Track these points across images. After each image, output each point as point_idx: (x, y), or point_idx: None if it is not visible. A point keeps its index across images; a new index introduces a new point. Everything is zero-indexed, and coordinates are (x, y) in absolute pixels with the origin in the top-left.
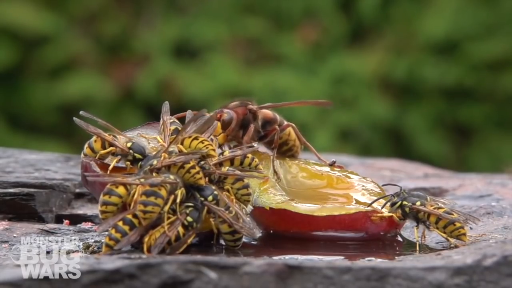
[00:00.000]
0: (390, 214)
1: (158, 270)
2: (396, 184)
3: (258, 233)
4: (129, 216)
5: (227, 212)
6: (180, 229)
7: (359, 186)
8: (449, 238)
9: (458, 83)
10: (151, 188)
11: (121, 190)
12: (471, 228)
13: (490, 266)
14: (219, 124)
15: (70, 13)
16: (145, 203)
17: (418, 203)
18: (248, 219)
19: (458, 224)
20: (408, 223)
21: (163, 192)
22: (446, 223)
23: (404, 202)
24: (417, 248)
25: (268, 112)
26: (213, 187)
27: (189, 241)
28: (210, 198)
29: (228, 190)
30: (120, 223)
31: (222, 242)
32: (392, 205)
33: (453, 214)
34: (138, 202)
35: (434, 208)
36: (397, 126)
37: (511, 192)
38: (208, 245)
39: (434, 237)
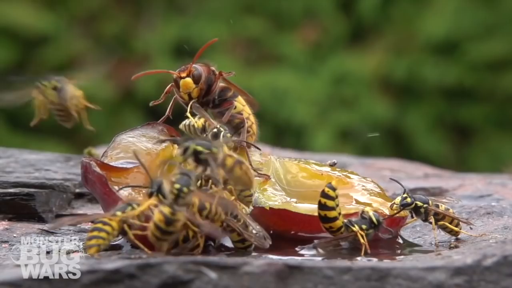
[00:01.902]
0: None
1: (158, 270)
2: (399, 183)
3: (269, 242)
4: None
5: (235, 220)
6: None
7: (359, 186)
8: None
9: (458, 83)
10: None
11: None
12: (471, 228)
13: (490, 266)
14: (189, 79)
15: (70, 13)
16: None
17: (430, 202)
18: (258, 227)
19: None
20: (409, 224)
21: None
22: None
23: (419, 203)
24: (435, 235)
25: (223, 84)
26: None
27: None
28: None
29: (230, 191)
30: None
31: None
32: (405, 205)
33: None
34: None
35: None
36: (397, 126)
37: (511, 192)
38: (208, 245)
39: (434, 237)
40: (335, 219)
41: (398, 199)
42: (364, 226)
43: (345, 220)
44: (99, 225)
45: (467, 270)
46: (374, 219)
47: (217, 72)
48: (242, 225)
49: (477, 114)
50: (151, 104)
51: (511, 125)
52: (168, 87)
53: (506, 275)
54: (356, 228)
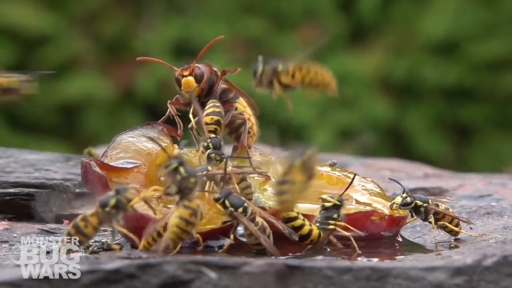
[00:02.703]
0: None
1: (158, 270)
2: (399, 182)
3: (295, 238)
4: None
5: (253, 224)
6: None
7: (359, 186)
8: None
9: (458, 83)
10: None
11: None
12: (471, 228)
13: (490, 266)
14: (191, 78)
15: (70, 13)
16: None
17: (430, 202)
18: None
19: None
20: (409, 223)
21: None
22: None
23: (418, 202)
24: (435, 234)
25: (225, 86)
26: (243, 198)
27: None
28: (240, 209)
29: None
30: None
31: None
32: (405, 205)
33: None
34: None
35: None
36: (397, 126)
37: (511, 192)
38: (208, 245)
39: (434, 237)
40: (310, 233)
41: (398, 199)
42: (335, 215)
43: (317, 224)
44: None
45: (467, 270)
46: (335, 201)
47: (219, 73)
48: (260, 228)
49: (477, 114)
50: (167, 115)
51: (511, 125)
52: (170, 108)
53: (506, 275)
54: (332, 223)
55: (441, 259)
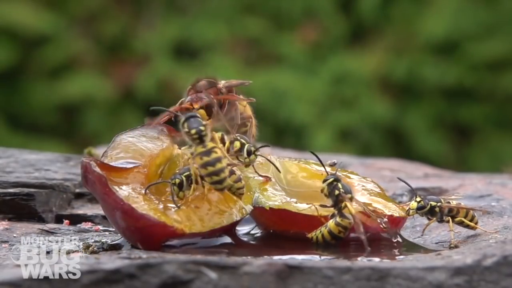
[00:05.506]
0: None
1: (158, 270)
2: (409, 185)
3: None
4: None
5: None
6: None
7: (359, 186)
8: (474, 227)
9: (458, 83)
10: None
11: None
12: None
13: (490, 266)
14: (203, 112)
15: (70, 13)
16: None
17: (442, 200)
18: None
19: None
20: (408, 223)
21: None
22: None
23: (433, 203)
24: (451, 228)
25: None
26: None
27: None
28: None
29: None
30: None
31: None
32: (420, 208)
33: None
34: None
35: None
36: (397, 126)
37: (511, 192)
38: (208, 246)
39: (434, 237)
40: None
41: (413, 204)
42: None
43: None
44: None
45: (467, 270)
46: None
47: (224, 89)
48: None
49: (477, 114)
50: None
51: (511, 125)
52: (178, 107)
53: (506, 275)
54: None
55: (441, 259)
